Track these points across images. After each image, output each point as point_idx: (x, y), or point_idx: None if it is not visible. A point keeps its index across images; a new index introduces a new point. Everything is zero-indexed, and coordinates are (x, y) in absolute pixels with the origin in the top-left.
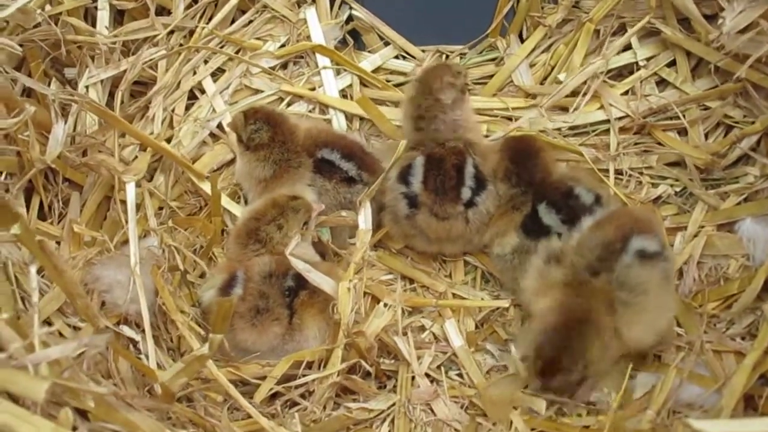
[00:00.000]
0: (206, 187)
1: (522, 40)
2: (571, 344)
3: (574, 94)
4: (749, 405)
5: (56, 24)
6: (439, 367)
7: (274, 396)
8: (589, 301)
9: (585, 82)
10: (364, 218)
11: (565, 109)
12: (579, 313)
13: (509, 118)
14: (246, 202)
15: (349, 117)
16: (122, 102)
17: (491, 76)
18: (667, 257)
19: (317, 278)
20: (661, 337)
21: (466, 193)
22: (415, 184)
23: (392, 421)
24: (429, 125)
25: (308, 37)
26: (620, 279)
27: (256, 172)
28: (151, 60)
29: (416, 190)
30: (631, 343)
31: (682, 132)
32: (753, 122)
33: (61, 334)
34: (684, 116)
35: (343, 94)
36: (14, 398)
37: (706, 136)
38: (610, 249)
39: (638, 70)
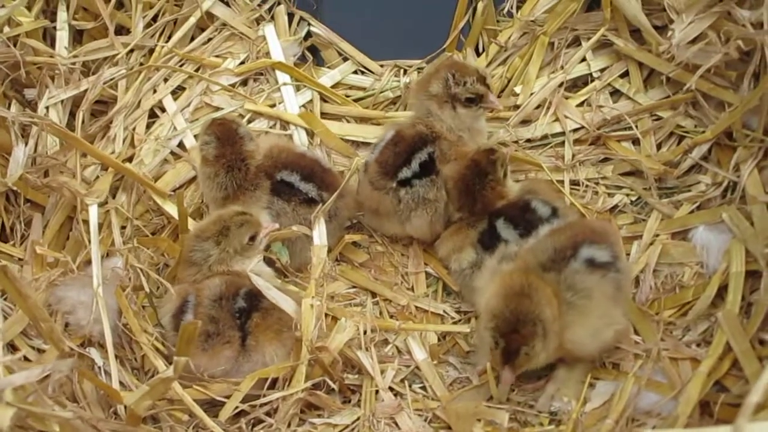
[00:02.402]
0: (168, 207)
1: (478, 54)
2: (522, 302)
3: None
4: (705, 411)
5: (15, 45)
6: (402, 380)
7: (240, 414)
8: (537, 280)
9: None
10: (319, 234)
11: (523, 123)
12: (524, 283)
13: None
14: None
15: (310, 132)
16: (83, 122)
17: None
18: (619, 269)
19: (277, 296)
20: (605, 347)
21: (404, 173)
22: (375, 153)
23: None
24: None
25: (267, 54)
26: (567, 281)
27: (210, 189)
28: (111, 80)
29: (370, 159)
30: (570, 345)
31: (636, 142)
32: (704, 131)
33: (26, 358)
34: (636, 126)
35: (304, 109)
36: None
37: (659, 146)
38: (561, 254)
39: (592, 81)
